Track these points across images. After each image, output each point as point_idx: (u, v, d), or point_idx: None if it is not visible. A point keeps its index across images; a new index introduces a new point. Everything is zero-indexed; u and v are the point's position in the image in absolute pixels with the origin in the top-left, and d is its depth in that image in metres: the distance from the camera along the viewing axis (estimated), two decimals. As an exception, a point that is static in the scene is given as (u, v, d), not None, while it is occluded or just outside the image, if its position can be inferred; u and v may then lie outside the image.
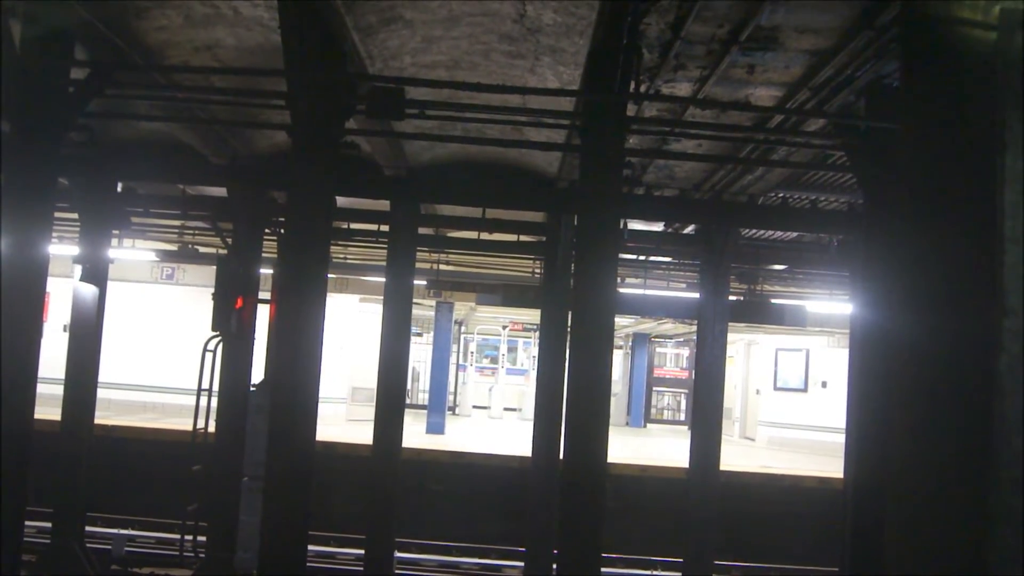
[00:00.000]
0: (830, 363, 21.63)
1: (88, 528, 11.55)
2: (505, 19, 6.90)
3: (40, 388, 7.29)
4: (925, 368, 1.75)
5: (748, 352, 26.32)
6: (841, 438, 8.72)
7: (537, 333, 14.90)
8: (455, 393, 28.43)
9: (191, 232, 15.58)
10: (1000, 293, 1.43)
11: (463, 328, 31.45)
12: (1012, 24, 1.65)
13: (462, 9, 6.82)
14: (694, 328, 15.16)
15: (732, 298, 12.90)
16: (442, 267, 17.18)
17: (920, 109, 1.79)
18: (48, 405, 9.76)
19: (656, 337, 30.01)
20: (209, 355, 10.47)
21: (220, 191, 11.16)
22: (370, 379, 12.14)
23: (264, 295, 10.87)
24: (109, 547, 12.67)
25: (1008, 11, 1.79)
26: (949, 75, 1.63)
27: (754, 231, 12.96)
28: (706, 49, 7.06)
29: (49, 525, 10.88)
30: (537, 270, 15.73)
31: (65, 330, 10.90)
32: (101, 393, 11.29)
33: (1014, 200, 1.42)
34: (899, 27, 5.65)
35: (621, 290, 15.12)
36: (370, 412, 11.35)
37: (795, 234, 12.94)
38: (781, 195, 10.79)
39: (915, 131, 1.76)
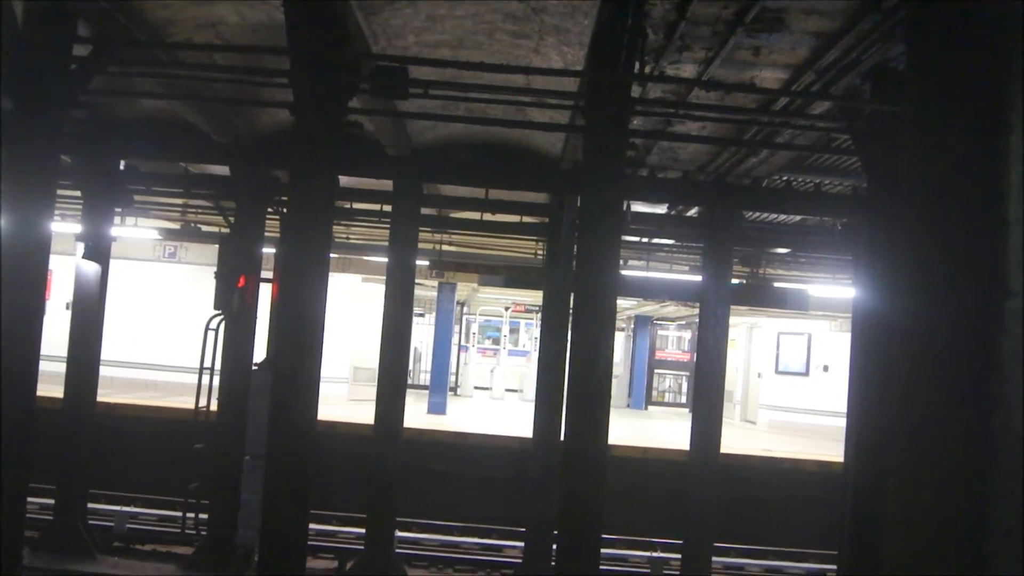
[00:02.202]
0: (832, 347, 21.65)
1: (90, 505, 11.59)
2: (510, -2, 6.87)
3: (42, 366, 7.31)
4: (926, 352, 1.74)
5: (750, 335, 26.34)
6: (842, 422, 8.74)
7: (539, 314, 14.92)
8: (457, 374, 28.47)
9: (194, 211, 15.59)
10: (1002, 275, 1.42)
11: (465, 309, 31.47)
12: (1020, 7, 1.63)
13: (466, -12, 6.79)
14: (696, 311, 15.17)
15: (735, 281, 12.88)
16: (444, 247, 17.17)
17: (924, 91, 1.77)
18: (51, 383, 9.79)
19: (658, 319, 30.04)
20: (211, 334, 10.50)
21: (223, 170, 11.15)
22: (372, 359, 12.18)
23: (267, 274, 10.88)
24: (111, 524, 12.73)
25: (1016, -7, 1.78)
26: (954, 57, 1.62)
27: (757, 214, 12.94)
28: (711, 30, 7.02)
29: (52, 502, 10.94)
30: (540, 251, 15.73)
31: (68, 308, 10.91)
32: (103, 371, 11.32)
33: (1019, 183, 1.41)
34: (905, 8, 5.61)
35: (624, 272, 15.11)
36: (372, 392, 11.37)
37: (799, 217, 12.91)
38: (785, 178, 10.76)
39: (919, 113, 1.75)
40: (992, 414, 1.44)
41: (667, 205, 12.77)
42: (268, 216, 11.21)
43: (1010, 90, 1.45)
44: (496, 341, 33.31)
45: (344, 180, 10.79)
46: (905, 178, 1.88)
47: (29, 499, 7.63)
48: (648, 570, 13.08)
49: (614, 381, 24.51)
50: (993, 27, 1.48)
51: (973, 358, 1.48)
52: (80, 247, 10.53)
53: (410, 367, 22.84)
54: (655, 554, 13.31)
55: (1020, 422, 1.43)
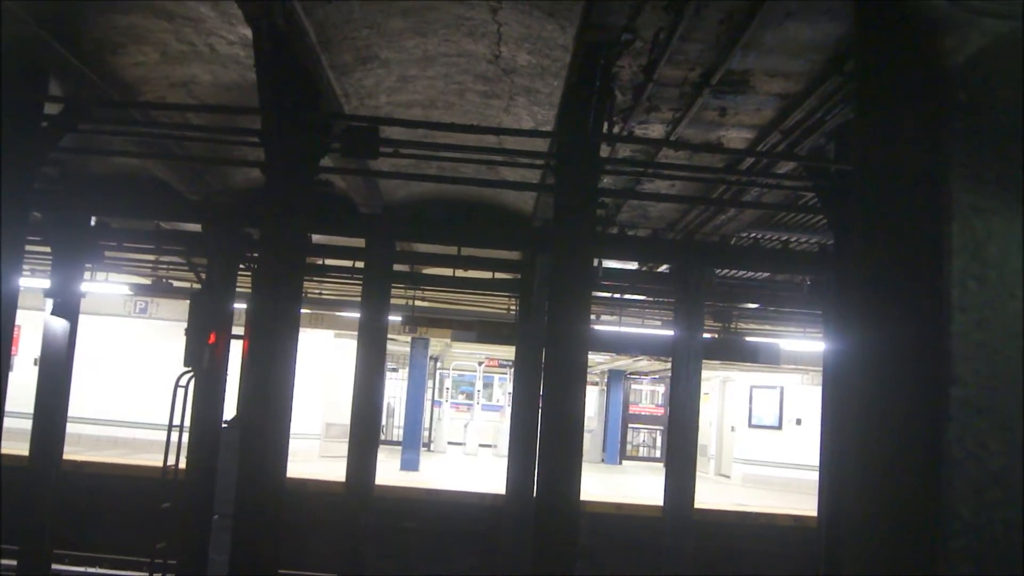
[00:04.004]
0: (805, 400, 21.71)
1: (54, 566, 11.34)
2: (480, 60, 6.98)
3: (8, 422, 7.21)
4: (889, 416, 1.77)
5: (723, 389, 26.38)
6: (815, 476, 8.76)
7: (512, 369, 14.92)
8: (430, 429, 28.26)
9: (165, 266, 15.50)
10: (949, 360, 1.44)
11: (439, 364, 31.34)
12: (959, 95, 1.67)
13: (438, 49, 6.89)
14: (669, 365, 15.21)
15: (706, 336, 12.97)
16: (417, 303, 17.16)
17: (870, 152, 1.81)
18: (16, 439, 9.63)
19: (632, 374, 30.02)
20: (181, 391, 10.39)
21: (195, 226, 11.13)
22: (345, 415, 12.09)
23: (238, 331, 10.81)
24: (75, 586, 12.47)
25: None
26: (898, 138, 1.66)
27: (727, 270, 13.06)
28: (678, 92, 7.16)
29: (15, 563, 10.70)
30: (512, 307, 15.76)
31: (35, 363, 10.78)
32: (71, 428, 11.15)
33: (961, 269, 1.44)
34: (854, 79, 5.74)
35: (596, 327, 15.17)
36: (344, 448, 11.28)
37: (768, 273, 13.05)
38: (754, 235, 10.90)
39: (866, 173, 1.78)
40: (939, 499, 1.46)
41: (638, 262, 12.87)
42: (240, 272, 11.18)
43: (951, 177, 1.48)
44: (470, 396, 33.17)
45: (317, 236, 10.80)
46: (855, 236, 1.92)
47: (-10, 561, 7.48)
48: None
49: (588, 436, 24.44)
50: (933, 114, 1.52)
51: (924, 443, 1.49)
52: (49, 303, 10.44)
53: (383, 423, 22.69)
54: (629, 612, 13.18)
55: (967, 508, 1.45)
